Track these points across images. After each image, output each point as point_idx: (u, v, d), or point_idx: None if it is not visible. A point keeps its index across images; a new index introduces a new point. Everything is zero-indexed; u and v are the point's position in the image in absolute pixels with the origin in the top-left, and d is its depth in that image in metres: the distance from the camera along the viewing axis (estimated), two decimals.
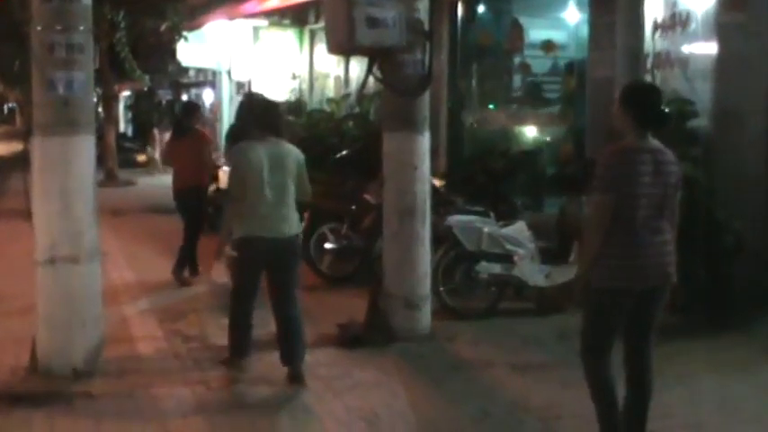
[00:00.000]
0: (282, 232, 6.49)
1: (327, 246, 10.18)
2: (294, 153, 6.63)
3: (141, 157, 30.75)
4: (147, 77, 25.91)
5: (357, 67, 16.96)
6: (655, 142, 4.86)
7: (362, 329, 7.71)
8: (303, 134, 15.13)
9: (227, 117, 25.57)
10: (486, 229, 8.54)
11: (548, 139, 11.55)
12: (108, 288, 9.35)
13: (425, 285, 7.81)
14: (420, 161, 7.65)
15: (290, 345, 6.62)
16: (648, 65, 9.96)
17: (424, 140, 7.68)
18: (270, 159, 6.44)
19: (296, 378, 6.54)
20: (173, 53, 25.29)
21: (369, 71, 7.79)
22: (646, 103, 4.88)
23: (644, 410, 5.00)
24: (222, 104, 25.72)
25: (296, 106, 17.96)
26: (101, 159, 25.34)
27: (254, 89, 19.86)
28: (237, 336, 6.76)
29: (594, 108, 10.74)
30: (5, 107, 73.05)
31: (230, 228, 6.53)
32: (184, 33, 22.64)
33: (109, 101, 26.40)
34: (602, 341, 4.97)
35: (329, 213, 10.36)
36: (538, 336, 7.98)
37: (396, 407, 6.14)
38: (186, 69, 28.74)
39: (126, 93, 34.53)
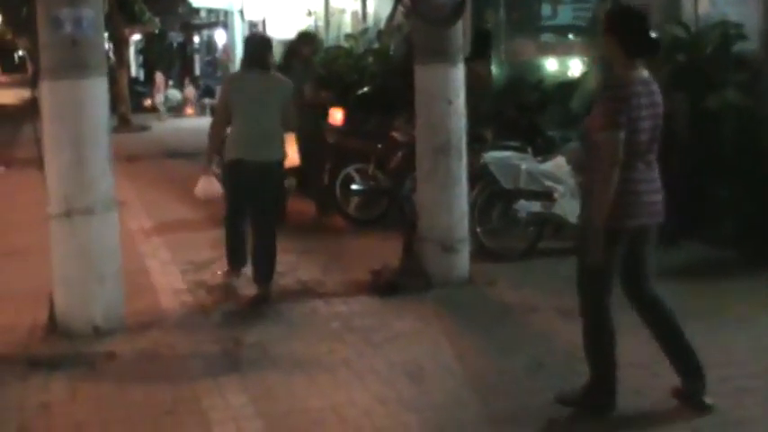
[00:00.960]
0: (262, 157, 6.98)
1: (354, 187, 9.73)
2: (279, 84, 7.16)
3: (148, 102, 30.21)
4: (156, 20, 25.36)
5: (375, 1, 16.39)
6: (645, 73, 4.60)
7: (397, 275, 7.28)
8: (321, 71, 14.61)
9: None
10: (523, 166, 8.05)
11: (580, 69, 10.95)
12: (127, 238, 8.96)
13: (463, 227, 7.36)
14: (454, 94, 7.14)
15: (256, 266, 7.14)
16: None
17: (459, 72, 7.16)
18: (253, 89, 7.02)
19: (260, 297, 7.03)
20: None
21: (397, 0, 7.25)
22: (636, 30, 4.55)
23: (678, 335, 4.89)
24: (235, 45, 25.09)
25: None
26: (113, 105, 25.14)
27: (268, 28, 19.32)
28: (231, 249, 7.41)
29: None
30: (15, 56, 72.50)
31: (214, 147, 7.40)
32: None
33: (119, 45, 25.87)
34: (610, 282, 4.81)
35: (354, 153, 9.90)
36: None
37: (441, 359, 5.72)
38: (197, 10, 28.15)
39: (136, 36, 33.86)
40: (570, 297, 6.86)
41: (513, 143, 8.35)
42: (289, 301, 6.99)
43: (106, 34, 29.68)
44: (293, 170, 9.81)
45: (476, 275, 7.47)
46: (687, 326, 6.04)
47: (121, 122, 24.16)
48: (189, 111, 28.43)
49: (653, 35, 4.59)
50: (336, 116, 10.73)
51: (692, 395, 4.82)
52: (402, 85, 11.76)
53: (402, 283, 7.18)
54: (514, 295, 7.06)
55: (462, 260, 7.36)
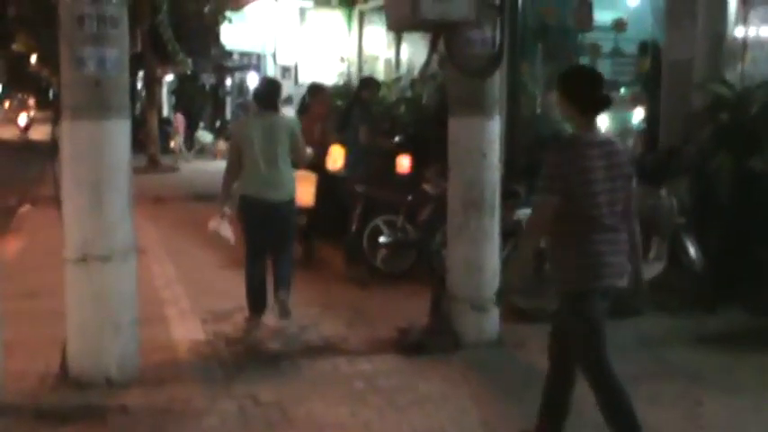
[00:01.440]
0: (275, 196, 7.40)
1: (382, 239, 9.46)
2: (286, 124, 7.60)
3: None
4: (189, 61, 25.33)
5: (409, 49, 16.25)
6: (602, 133, 4.65)
7: (424, 334, 6.98)
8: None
9: None
10: None
11: (618, 125, 10.69)
12: (147, 285, 8.77)
13: (494, 286, 7.04)
14: (489, 148, 6.89)
15: (275, 277, 7.61)
16: (735, 44, 9.08)
17: (494, 125, 6.92)
18: (263, 131, 7.39)
19: (281, 311, 7.48)
20: (216, 36, 24.73)
21: (432, 49, 7.04)
22: (587, 87, 4.55)
23: None
24: None
25: (344, 90, 17.20)
26: (142, 144, 25.14)
27: (300, 73, 19.24)
28: (250, 291, 7.59)
29: (671, 93, 9.87)
30: (51, 92, 73.24)
31: (226, 191, 7.64)
32: (228, 15, 22.00)
33: (151, 84, 25.91)
34: (601, 344, 4.74)
35: (383, 204, 9.64)
36: (616, 341, 7.06)
37: (466, 425, 5.42)
38: (230, 53, 28.12)
39: (169, 77, 34.00)
40: None
41: None
42: (310, 357, 6.71)
43: (141, 73, 29.95)
44: (305, 210, 9.69)
45: (505, 336, 7.16)
46: (731, 403, 5.77)
47: (150, 163, 24.09)
48: (218, 152, 28.38)
49: (604, 93, 4.56)
50: (404, 163, 10.54)
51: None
52: (434, 135, 11.65)
53: (429, 342, 6.89)
54: (545, 360, 6.72)
55: (492, 320, 7.06)
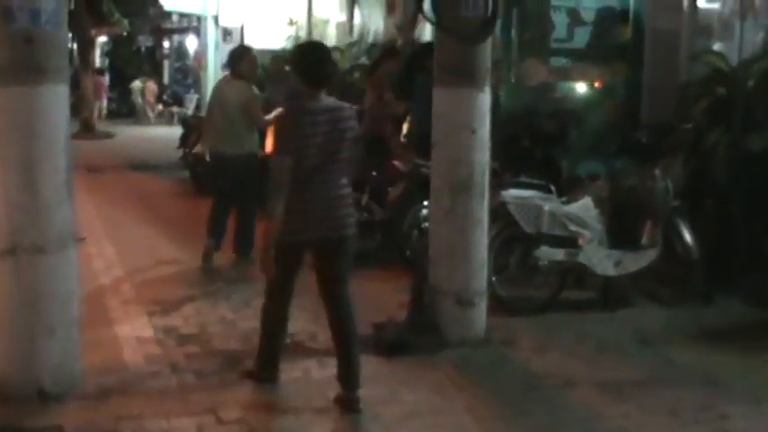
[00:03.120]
0: (231, 149, 8.44)
1: None
2: (238, 89, 8.48)
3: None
4: (126, 22, 24.16)
5: (363, 12, 15.39)
6: (329, 100, 5.11)
7: (405, 331, 6.21)
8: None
9: (214, 66, 23.91)
10: (546, 207, 7.02)
11: (596, 97, 10.01)
12: (83, 270, 7.81)
13: (482, 278, 6.31)
14: (480, 123, 6.11)
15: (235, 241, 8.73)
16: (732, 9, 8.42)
17: (485, 98, 6.13)
18: (220, 93, 8.69)
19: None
20: None
21: (417, 9, 6.21)
22: (312, 64, 5.04)
23: (352, 346, 5.17)
24: (207, 53, 23.96)
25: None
26: (76, 109, 23.92)
27: (246, 37, 18.26)
28: (211, 221, 8.62)
29: (654, 64, 9.20)
30: None
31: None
32: None
33: (84, 46, 24.56)
34: (280, 285, 5.20)
35: None
36: (614, 339, 6.51)
37: None
38: (168, 14, 26.96)
39: (103, 38, 32.51)
40: (608, 366, 5.91)
41: (534, 181, 7.30)
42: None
43: (70, 34, 28.57)
44: None
45: (492, 332, 6.42)
46: (759, 415, 5.11)
47: (84, 128, 22.89)
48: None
49: (327, 68, 5.06)
50: None
51: (348, 401, 5.07)
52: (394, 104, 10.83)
53: (410, 341, 6.12)
54: (541, 362, 6.01)
55: (479, 316, 6.32)
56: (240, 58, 8.69)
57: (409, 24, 6.58)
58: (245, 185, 8.39)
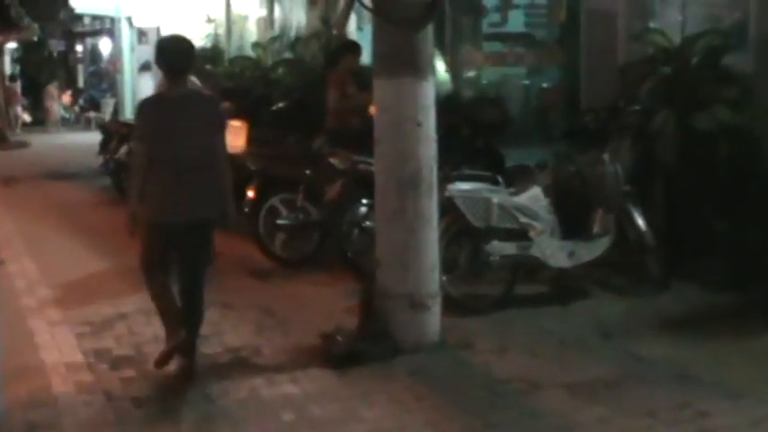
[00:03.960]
0: None
1: (280, 221, 8.21)
2: None
3: (26, 117, 28.00)
4: (36, 26, 23.27)
5: (283, 6, 14.93)
6: (191, 89, 5.57)
7: (355, 340, 5.83)
8: (226, 84, 13.12)
9: (130, 69, 23.25)
10: (495, 200, 6.69)
11: (533, 82, 9.75)
12: (5, 292, 7.33)
13: (434, 278, 5.96)
14: (425, 115, 5.75)
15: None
16: None
17: (429, 88, 5.77)
18: None
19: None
20: None
21: None
22: (165, 55, 5.35)
23: (195, 317, 5.55)
24: (123, 56, 23.26)
25: (213, 54, 15.76)
26: None
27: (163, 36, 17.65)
28: None
29: (590, 47, 8.97)
30: None
31: None
32: None
33: None
34: (153, 261, 5.46)
35: (280, 181, 8.39)
36: (575, 334, 6.23)
37: None
38: (80, 17, 26.09)
39: (12, 44, 31.32)
40: (573, 366, 5.60)
41: (480, 173, 6.97)
42: (219, 379, 5.44)
43: None
44: None
45: (447, 335, 6.07)
46: (740, 411, 4.85)
47: None
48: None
49: (178, 59, 5.33)
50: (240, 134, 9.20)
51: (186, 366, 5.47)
52: (323, 100, 10.48)
53: (362, 349, 5.73)
54: (503, 364, 5.67)
55: (434, 319, 5.96)
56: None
57: (344, 12, 6.13)
58: None
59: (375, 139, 5.88)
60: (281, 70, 13.15)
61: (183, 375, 5.46)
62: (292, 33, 14.30)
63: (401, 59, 5.67)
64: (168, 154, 5.21)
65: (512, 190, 6.92)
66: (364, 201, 7.76)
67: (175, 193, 5.25)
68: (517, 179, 7.19)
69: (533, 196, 6.92)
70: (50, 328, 6.57)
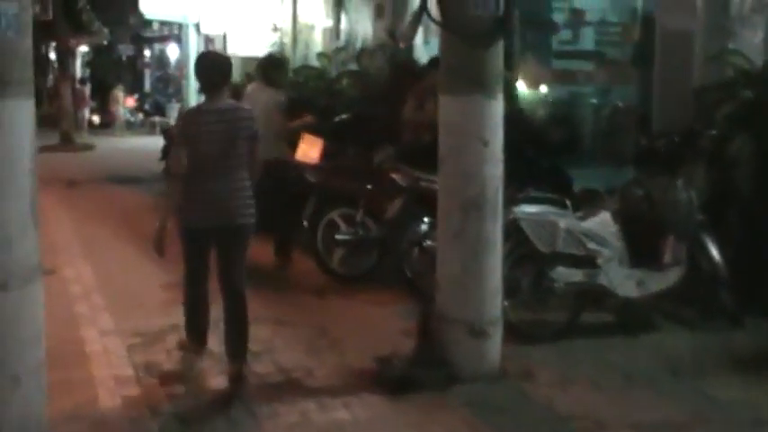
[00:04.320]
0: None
1: (339, 237, 8.03)
2: (267, 95, 8.69)
3: (95, 119, 28.33)
4: (106, 30, 23.50)
5: (351, 17, 14.79)
6: (228, 102, 5.67)
7: (411, 366, 5.61)
8: (289, 94, 12.97)
9: None
10: (562, 224, 6.43)
11: (601, 102, 9.45)
12: (58, 296, 7.23)
13: (496, 304, 5.72)
14: (492, 134, 5.52)
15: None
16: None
17: (497, 106, 5.55)
18: (251, 100, 8.27)
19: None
20: (134, 3, 22.88)
21: (422, 8, 5.61)
22: (202, 70, 5.67)
23: (239, 325, 5.60)
24: (190, 62, 23.31)
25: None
26: (55, 121, 23.22)
27: (229, 44, 17.64)
28: None
29: (665, 67, 8.64)
30: None
31: None
32: None
33: (64, 56, 23.91)
34: (190, 269, 5.72)
35: (340, 195, 8.21)
36: (642, 369, 5.92)
37: None
38: (149, 22, 26.31)
39: (83, 48, 31.79)
40: (640, 404, 5.31)
41: (548, 195, 6.71)
42: (269, 401, 5.26)
43: (53, 44, 27.89)
44: None
45: (508, 364, 5.82)
46: None
47: (63, 140, 22.22)
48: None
49: (211, 75, 5.58)
50: (315, 146, 8.95)
51: (235, 376, 5.49)
52: (386, 113, 10.28)
53: (418, 376, 5.51)
54: (565, 399, 5.40)
55: (494, 346, 5.72)
56: (275, 67, 9.05)
57: (411, 25, 5.91)
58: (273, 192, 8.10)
59: (439, 157, 5.66)
60: (345, 81, 13.00)
61: (232, 395, 5.33)
62: (358, 44, 14.17)
63: (468, 76, 5.45)
64: (203, 162, 5.45)
65: (579, 214, 6.65)
66: (425, 219, 7.56)
67: (209, 199, 5.47)
68: (585, 203, 6.92)
69: (602, 222, 6.64)
70: (101, 337, 6.46)
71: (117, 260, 9.02)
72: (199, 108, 5.81)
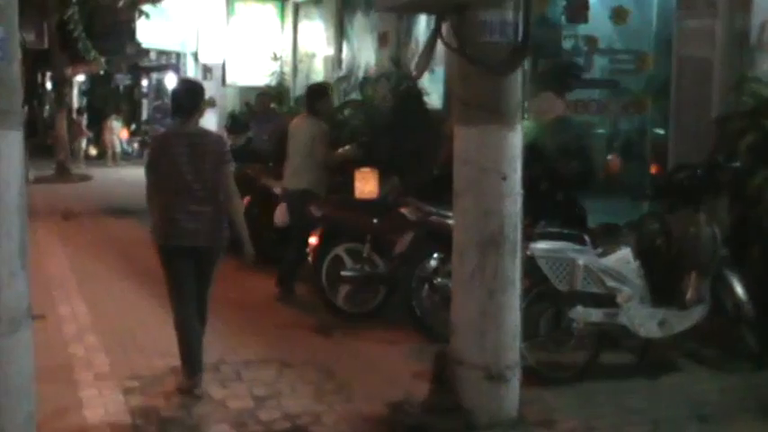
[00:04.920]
0: (291, 185, 8.80)
1: (345, 273, 7.72)
2: (309, 124, 8.72)
3: (93, 150, 28.07)
4: (102, 60, 23.27)
5: (352, 45, 14.54)
6: (195, 128, 5.87)
7: (426, 412, 5.29)
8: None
9: None
10: (581, 261, 6.13)
11: (615, 133, 9.18)
12: (51, 336, 6.93)
13: (515, 347, 5.41)
14: (511, 168, 5.23)
15: None
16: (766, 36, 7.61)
17: (517, 137, 5.26)
18: (295, 129, 8.81)
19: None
20: (131, 33, 22.69)
21: (435, 33, 5.34)
22: (176, 96, 6.09)
23: (197, 343, 5.85)
24: None
25: (278, 92, 15.40)
26: (51, 151, 22.93)
27: (228, 74, 17.38)
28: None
29: (682, 97, 8.37)
30: None
31: None
32: (144, 9, 19.95)
33: (61, 85, 23.66)
34: (170, 288, 5.88)
35: (346, 229, 7.92)
36: (668, 415, 5.60)
37: None
38: (147, 51, 26.06)
39: (80, 77, 31.55)
40: None
41: (566, 230, 6.41)
42: None
43: (48, 74, 27.62)
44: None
45: (525, 409, 5.50)
46: None
47: (59, 171, 21.93)
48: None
49: (182, 101, 5.91)
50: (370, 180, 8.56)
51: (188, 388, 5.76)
52: (391, 144, 10.00)
53: (432, 423, 5.20)
54: None
55: (512, 392, 5.40)
56: (319, 96, 8.90)
57: (425, 54, 5.62)
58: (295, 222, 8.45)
59: (454, 192, 5.37)
60: (347, 111, 12.73)
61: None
62: (360, 73, 13.91)
63: (486, 106, 5.17)
64: (172, 185, 5.71)
65: (599, 250, 6.35)
66: (435, 255, 7.26)
67: (178, 220, 5.69)
68: (602, 238, 6.62)
69: (622, 258, 6.33)
70: (97, 381, 6.13)
71: (112, 297, 8.69)
72: (169, 132, 6.28)
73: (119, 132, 27.86)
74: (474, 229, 5.26)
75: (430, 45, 5.44)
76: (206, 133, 5.97)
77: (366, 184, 8.31)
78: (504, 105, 5.20)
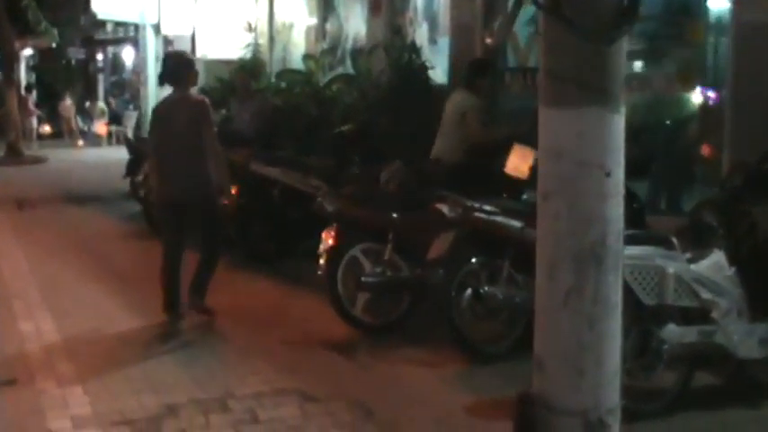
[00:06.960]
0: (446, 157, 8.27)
1: (365, 279, 6.55)
2: (462, 97, 8.20)
3: (46, 128, 26.56)
4: (54, 32, 21.83)
5: (338, 15, 13.36)
6: (187, 94, 6.81)
7: None
8: (277, 102, 11.55)
9: (154, 81, 21.71)
10: (671, 269, 5.03)
11: (659, 112, 8.10)
12: (12, 361, 5.73)
13: (616, 387, 4.28)
14: (615, 161, 4.08)
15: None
16: None
17: (620, 122, 4.11)
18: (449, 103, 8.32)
19: None
20: (86, 3, 21.30)
21: None
22: (165, 67, 6.98)
23: (207, 273, 6.87)
24: (147, 66, 21.74)
25: (253, 65, 14.13)
26: (1, 131, 21.48)
27: (199, 46, 16.12)
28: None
29: (741, 68, 7.33)
30: None
31: None
32: None
33: (8, 60, 22.08)
34: (166, 238, 6.87)
35: (362, 227, 6.76)
36: None
37: None
38: (102, 23, 24.65)
39: (28, 51, 29.85)
40: None
41: (650, 232, 5.33)
42: None
43: None
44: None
45: None
46: None
47: (10, 152, 20.48)
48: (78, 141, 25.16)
49: (166, 69, 6.92)
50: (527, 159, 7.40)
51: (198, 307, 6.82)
52: (393, 124, 9.14)
53: None
54: None
55: None
56: (482, 72, 8.31)
57: (509, 18, 4.46)
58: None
59: (540, 192, 4.21)
60: (335, 87, 11.58)
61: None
62: (348, 45, 12.73)
63: (586, 82, 4.01)
64: (166, 147, 6.68)
65: (688, 255, 5.25)
66: (473, 259, 6.15)
67: (175, 177, 6.63)
68: (687, 239, 5.54)
69: (715, 264, 5.26)
70: (75, 430, 4.88)
71: (83, 307, 7.39)
72: (164, 100, 6.94)
73: (73, 114, 26.37)
74: (570, 240, 4.09)
75: (516, 5, 4.25)
76: (186, 99, 6.74)
77: (522, 162, 7.12)
78: (608, 82, 4.03)
